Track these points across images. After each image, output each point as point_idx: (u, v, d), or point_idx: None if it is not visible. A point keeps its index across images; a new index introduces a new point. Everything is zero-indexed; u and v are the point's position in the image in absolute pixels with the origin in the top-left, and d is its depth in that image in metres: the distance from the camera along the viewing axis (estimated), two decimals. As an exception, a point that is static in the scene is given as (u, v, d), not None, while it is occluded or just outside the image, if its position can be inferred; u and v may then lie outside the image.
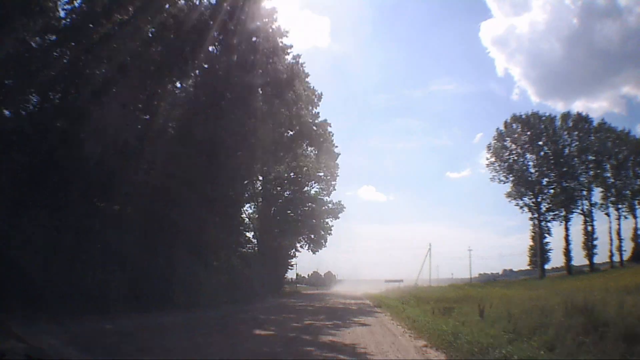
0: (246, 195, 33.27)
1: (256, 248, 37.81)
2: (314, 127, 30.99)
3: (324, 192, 44.41)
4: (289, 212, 43.00)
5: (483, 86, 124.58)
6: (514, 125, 61.65)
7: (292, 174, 39.64)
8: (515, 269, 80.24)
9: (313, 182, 42.78)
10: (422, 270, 71.31)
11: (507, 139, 61.54)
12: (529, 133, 60.90)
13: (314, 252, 51.04)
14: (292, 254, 56.06)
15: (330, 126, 35.70)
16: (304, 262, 72.29)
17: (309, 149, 34.93)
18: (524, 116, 60.94)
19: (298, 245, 52.23)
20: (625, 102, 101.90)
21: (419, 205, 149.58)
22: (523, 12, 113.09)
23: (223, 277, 22.58)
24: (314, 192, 44.05)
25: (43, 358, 4.00)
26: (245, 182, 28.57)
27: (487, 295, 22.37)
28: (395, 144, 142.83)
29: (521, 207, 61.54)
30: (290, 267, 60.48)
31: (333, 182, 43.64)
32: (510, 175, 60.66)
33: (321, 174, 41.89)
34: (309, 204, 43.53)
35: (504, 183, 61.12)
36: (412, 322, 14.04)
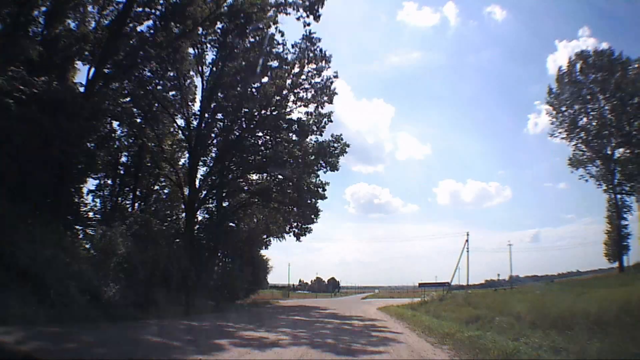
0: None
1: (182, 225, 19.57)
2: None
3: (314, 125, 25.06)
4: (250, 159, 24.65)
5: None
6: (578, 66, 44.45)
7: (257, 85, 21.25)
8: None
9: (293, 99, 24.03)
10: (455, 271, 52.25)
11: (569, 84, 44.17)
12: (596, 77, 43.69)
13: (298, 238, 32.51)
14: (263, 239, 36.49)
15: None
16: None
17: None
18: (591, 52, 43.96)
19: (275, 226, 33.45)
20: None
21: (428, 207, 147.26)
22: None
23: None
24: (296, 120, 24.77)
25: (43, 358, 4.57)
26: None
27: None
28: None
29: (588, 179, 44.48)
30: (265, 262, 38.88)
31: (328, 103, 24.11)
32: (575, 130, 43.47)
33: (307, 85, 23.44)
34: (289, 144, 24.91)
35: (569, 141, 43.93)
36: None
